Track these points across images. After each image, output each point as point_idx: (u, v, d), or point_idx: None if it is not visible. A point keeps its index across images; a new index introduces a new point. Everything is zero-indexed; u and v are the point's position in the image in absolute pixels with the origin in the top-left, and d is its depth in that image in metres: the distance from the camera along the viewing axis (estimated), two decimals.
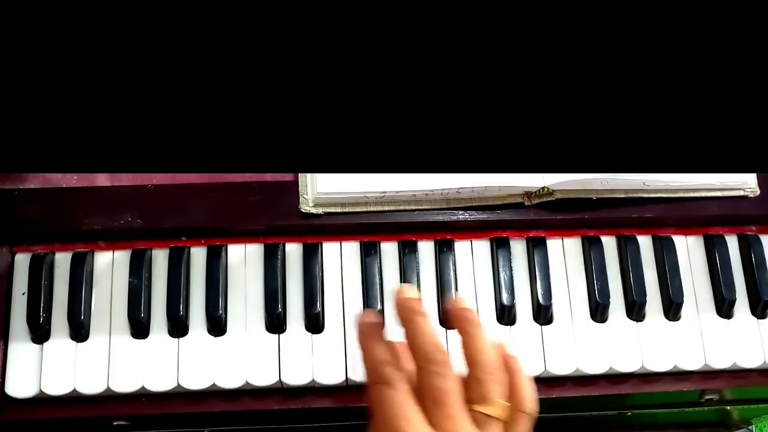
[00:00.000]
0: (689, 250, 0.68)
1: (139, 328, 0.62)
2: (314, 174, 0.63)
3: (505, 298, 0.64)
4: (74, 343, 0.62)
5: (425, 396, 0.50)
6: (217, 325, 0.62)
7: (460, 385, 0.51)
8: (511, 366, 0.53)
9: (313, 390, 0.62)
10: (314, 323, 0.63)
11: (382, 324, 0.54)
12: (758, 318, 0.66)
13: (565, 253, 0.67)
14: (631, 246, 0.66)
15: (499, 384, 0.51)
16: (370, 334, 0.53)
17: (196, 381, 0.61)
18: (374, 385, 0.51)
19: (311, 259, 0.64)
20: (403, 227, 0.66)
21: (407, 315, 0.53)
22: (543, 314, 0.64)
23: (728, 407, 0.78)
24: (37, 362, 0.61)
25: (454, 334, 0.63)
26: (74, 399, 0.61)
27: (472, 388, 0.51)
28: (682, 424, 0.87)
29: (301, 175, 0.64)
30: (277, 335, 0.63)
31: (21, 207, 0.63)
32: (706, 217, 0.68)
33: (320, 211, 0.64)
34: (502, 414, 0.51)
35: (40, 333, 0.62)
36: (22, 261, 0.63)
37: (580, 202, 0.66)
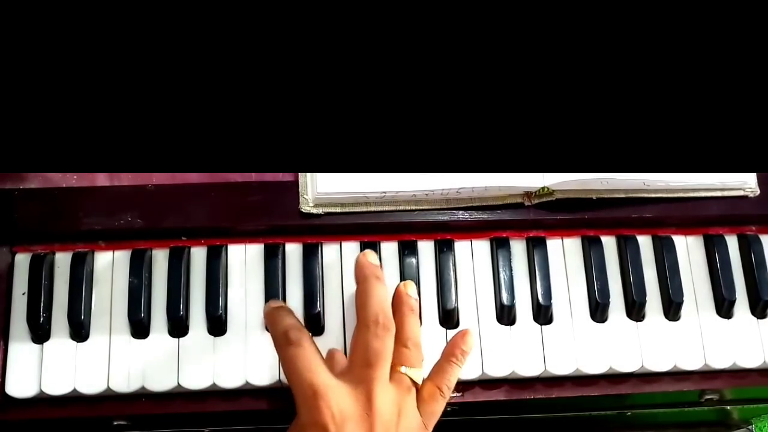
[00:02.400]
0: (689, 249, 0.68)
1: (139, 328, 0.62)
2: (314, 174, 0.63)
3: (505, 297, 0.64)
4: (74, 342, 0.62)
5: (357, 354, 0.56)
6: (217, 325, 0.62)
7: (392, 350, 0.56)
8: (447, 349, 0.60)
9: None
10: (314, 323, 0.63)
11: (286, 306, 0.60)
12: (758, 318, 0.66)
13: (565, 253, 0.67)
14: (631, 246, 0.66)
15: (419, 356, 0.58)
16: (276, 311, 0.59)
17: (196, 381, 0.61)
18: (283, 348, 0.57)
19: (311, 259, 0.64)
20: (403, 227, 0.66)
21: (365, 273, 0.59)
22: (543, 314, 0.64)
23: (728, 407, 0.78)
24: (37, 362, 0.61)
25: (452, 334, 0.63)
26: (74, 399, 0.61)
27: (398, 353, 0.57)
28: (682, 424, 0.87)
29: (301, 175, 0.64)
30: None
31: (21, 207, 0.63)
32: (706, 217, 0.68)
33: (320, 211, 0.64)
34: (419, 380, 0.57)
35: (40, 333, 0.62)
36: (22, 261, 0.63)
37: (580, 202, 0.66)
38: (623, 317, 0.65)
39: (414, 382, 0.57)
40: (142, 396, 0.62)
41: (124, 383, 0.61)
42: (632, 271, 0.65)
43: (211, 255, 0.64)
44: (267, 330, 0.62)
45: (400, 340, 0.57)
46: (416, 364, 0.57)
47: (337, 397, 0.53)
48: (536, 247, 0.66)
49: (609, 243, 0.67)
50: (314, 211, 0.64)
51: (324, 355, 0.60)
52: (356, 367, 0.55)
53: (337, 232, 0.65)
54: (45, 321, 0.62)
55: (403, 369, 0.56)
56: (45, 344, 0.62)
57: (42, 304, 0.62)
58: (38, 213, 0.63)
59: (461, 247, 0.66)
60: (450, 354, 0.60)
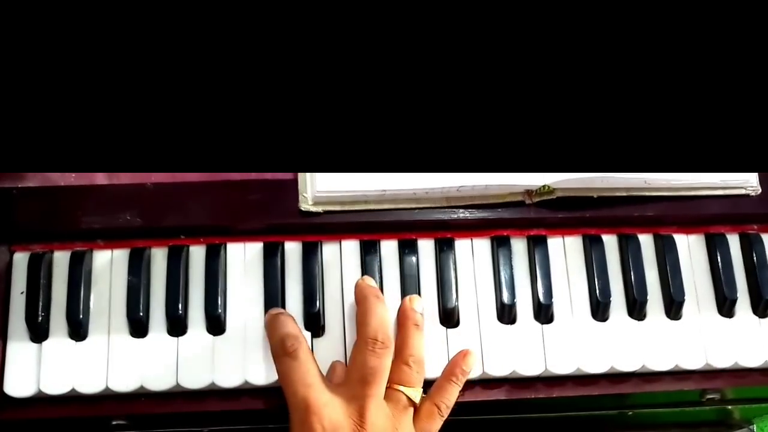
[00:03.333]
0: (690, 248, 0.68)
1: (138, 327, 0.62)
2: (314, 173, 0.63)
3: (505, 296, 0.64)
4: (73, 342, 0.62)
5: (354, 370, 0.57)
6: (216, 324, 0.62)
7: (389, 369, 0.57)
8: (448, 369, 0.60)
9: None
10: (314, 322, 0.63)
11: (286, 312, 0.61)
12: (759, 317, 0.66)
13: (566, 252, 0.67)
14: (632, 245, 0.66)
15: (420, 374, 0.58)
16: (275, 317, 0.59)
17: (195, 380, 0.61)
18: (279, 358, 0.57)
19: (311, 258, 0.64)
20: (403, 226, 0.65)
21: (365, 292, 0.60)
22: (544, 313, 0.64)
23: (729, 407, 0.78)
24: (35, 361, 0.61)
25: (453, 333, 0.63)
26: (73, 398, 0.61)
27: (397, 371, 0.58)
28: (683, 424, 0.87)
29: (300, 174, 0.64)
30: None
31: (19, 206, 0.63)
32: (707, 216, 0.68)
33: (320, 209, 0.64)
34: (417, 399, 0.58)
35: (38, 332, 0.61)
36: (20, 260, 0.63)
37: (581, 201, 0.66)
38: (624, 316, 0.65)
39: (411, 401, 0.57)
40: (141, 395, 0.61)
41: (122, 382, 0.61)
42: (633, 270, 0.65)
43: (210, 254, 0.64)
44: (266, 321, 0.62)
45: (401, 357, 0.58)
46: (415, 384, 0.58)
47: (329, 412, 0.54)
48: (537, 246, 0.66)
49: (610, 242, 0.67)
50: (314, 209, 0.64)
51: (328, 364, 0.60)
52: (352, 383, 0.56)
53: (337, 231, 0.65)
54: (43, 320, 0.62)
55: (400, 387, 0.57)
56: (43, 343, 0.62)
57: (40, 304, 0.62)
58: (37, 212, 0.63)
59: (462, 245, 0.66)
60: (450, 373, 0.60)
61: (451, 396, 0.59)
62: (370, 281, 0.62)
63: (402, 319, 0.60)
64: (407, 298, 0.61)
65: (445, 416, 0.59)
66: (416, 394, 0.57)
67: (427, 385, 0.61)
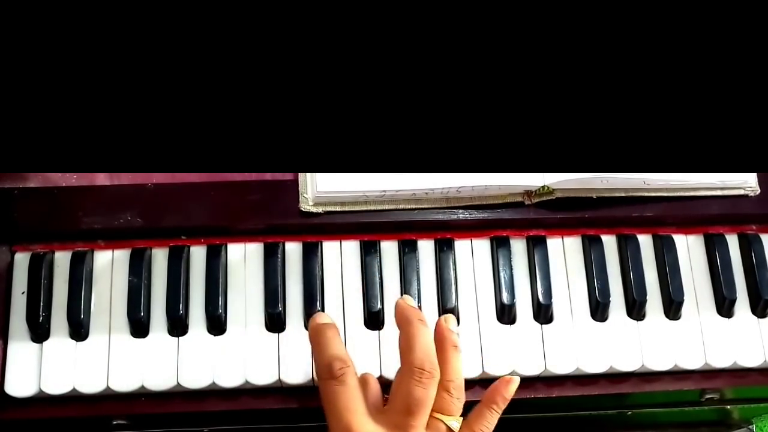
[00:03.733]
0: (689, 249, 0.68)
1: (139, 327, 0.62)
2: (314, 173, 0.63)
3: (505, 297, 0.64)
4: (74, 342, 0.62)
5: (398, 399, 0.55)
6: (216, 324, 0.62)
7: (433, 400, 0.55)
8: (488, 395, 0.58)
9: (313, 389, 0.62)
10: None
11: (334, 325, 0.59)
12: (758, 317, 0.66)
13: (565, 252, 0.67)
14: (632, 245, 0.66)
15: (461, 401, 0.57)
16: (323, 332, 0.58)
17: (195, 380, 0.61)
18: (325, 381, 0.56)
19: (311, 258, 0.64)
20: (403, 226, 0.65)
21: (409, 316, 0.58)
22: (543, 313, 0.64)
23: (728, 406, 0.78)
24: (36, 361, 0.61)
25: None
26: (74, 398, 0.61)
27: (438, 398, 0.56)
28: (682, 424, 0.87)
29: (300, 174, 0.64)
30: (276, 334, 0.63)
31: (20, 206, 0.63)
32: (706, 216, 0.68)
33: (320, 210, 0.64)
34: (456, 428, 0.56)
35: (39, 332, 0.62)
36: (21, 260, 0.63)
37: (581, 201, 0.66)
38: (624, 316, 0.65)
39: (450, 430, 0.56)
40: (142, 395, 0.62)
41: (123, 382, 0.61)
42: (633, 271, 0.65)
43: (211, 254, 0.64)
44: (311, 331, 0.60)
45: (442, 384, 0.56)
46: (455, 412, 0.56)
47: None
48: (536, 246, 0.66)
49: (609, 242, 0.67)
50: (314, 209, 0.64)
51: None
52: (396, 413, 0.54)
53: (337, 231, 0.65)
54: (44, 320, 0.62)
55: (441, 417, 0.55)
56: (44, 343, 0.62)
57: (41, 304, 0.62)
58: (38, 212, 0.63)
59: (461, 246, 0.66)
60: (491, 401, 0.58)
61: (490, 423, 0.58)
62: (410, 301, 0.60)
63: (440, 342, 0.58)
64: (442, 318, 0.59)
65: None
66: (457, 424, 0.56)
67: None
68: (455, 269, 0.65)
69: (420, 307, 0.63)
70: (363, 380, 0.59)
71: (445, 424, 0.56)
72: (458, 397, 0.57)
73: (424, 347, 0.56)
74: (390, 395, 0.56)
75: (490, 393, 0.59)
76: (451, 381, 0.57)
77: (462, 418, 0.57)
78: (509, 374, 0.63)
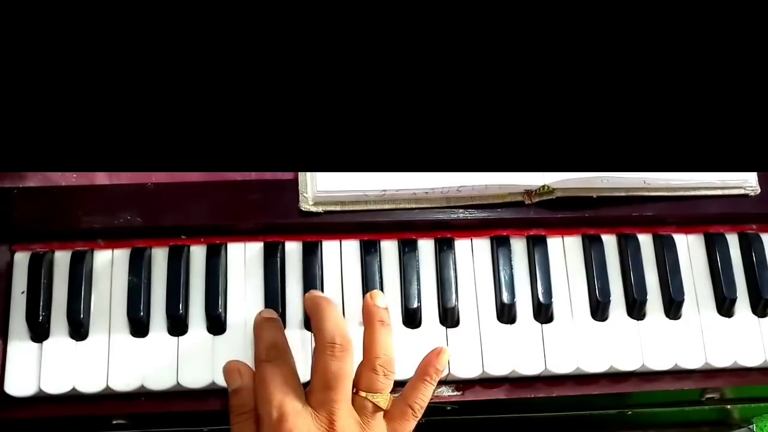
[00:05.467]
0: (690, 248, 0.68)
1: (139, 327, 0.62)
2: (314, 172, 0.63)
3: (505, 296, 0.64)
4: (73, 341, 0.62)
5: (316, 377, 0.56)
6: (216, 324, 0.62)
7: (352, 371, 0.56)
8: (420, 368, 0.59)
9: None
10: None
11: (279, 320, 0.60)
12: (759, 316, 0.66)
13: (565, 252, 0.67)
14: (632, 244, 0.66)
15: (388, 376, 0.57)
16: (264, 323, 0.59)
17: (195, 379, 0.61)
18: (259, 362, 0.57)
19: (311, 258, 0.64)
20: (403, 226, 0.65)
21: (314, 301, 0.59)
22: (543, 313, 0.64)
23: (729, 406, 0.78)
24: (36, 361, 0.61)
25: (453, 333, 0.63)
26: (73, 397, 0.61)
27: (364, 376, 0.56)
28: (682, 423, 0.87)
29: (300, 174, 0.64)
30: None
31: (20, 205, 0.63)
32: (706, 216, 0.68)
33: (320, 209, 0.64)
34: (386, 405, 0.56)
35: (39, 332, 0.62)
36: (21, 259, 0.63)
37: (581, 201, 0.66)
38: (624, 316, 0.65)
39: (378, 406, 0.56)
40: (142, 395, 0.62)
41: (123, 382, 0.61)
42: (633, 270, 0.65)
43: (211, 253, 0.64)
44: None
45: (368, 361, 0.57)
46: (382, 389, 0.56)
47: (300, 421, 0.54)
48: (537, 246, 0.66)
49: (609, 241, 0.67)
50: (314, 209, 0.64)
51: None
52: (317, 390, 0.55)
53: (337, 231, 0.65)
54: (44, 320, 0.62)
55: (364, 394, 0.56)
56: (44, 343, 0.62)
57: (41, 303, 0.62)
58: (37, 211, 0.63)
59: (461, 245, 0.66)
60: (423, 373, 0.59)
61: (424, 396, 0.58)
62: (316, 292, 0.61)
63: (366, 318, 0.59)
64: (369, 294, 0.60)
65: (419, 416, 0.58)
66: (383, 399, 0.56)
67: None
68: (455, 269, 0.65)
69: (420, 307, 0.63)
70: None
71: (370, 401, 0.56)
72: (385, 374, 0.57)
73: (332, 322, 0.56)
74: (311, 376, 0.57)
75: (422, 366, 0.59)
76: (377, 357, 0.57)
77: (391, 395, 0.57)
78: (509, 374, 0.63)
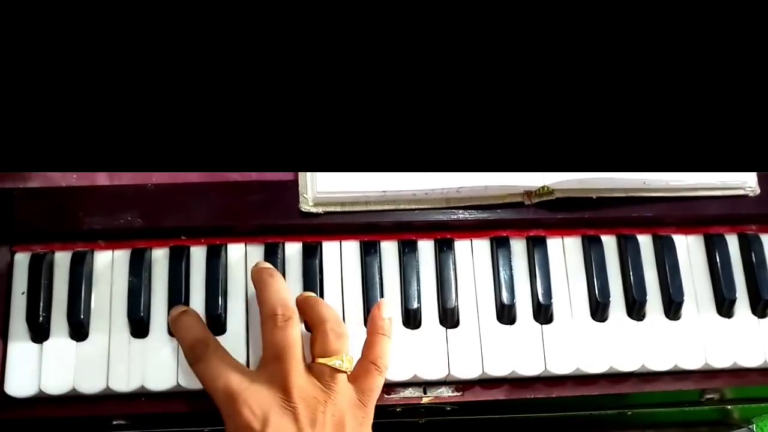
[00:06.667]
0: (689, 249, 0.68)
1: (139, 328, 0.62)
2: (314, 173, 0.63)
3: (505, 297, 0.64)
4: (74, 342, 0.62)
5: (266, 351, 0.56)
6: (216, 324, 0.62)
7: (299, 338, 0.56)
8: (370, 325, 0.59)
9: None
10: None
11: (191, 310, 0.60)
12: (759, 317, 0.66)
13: (565, 252, 0.67)
14: (632, 245, 0.66)
15: (340, 337, 0.56)
16: (179, 321, 0.59)
17: (195, 380, 0.61)
18: (190, 364, 0.57)
19: (311, 259, 0.64)
20: (403, 226, 0.65)
21: (257, 276, 0.59)
22: (543, 313, 0.64)
23: (729, 406, 0.78)
24: (36, 361, 0.61)
25: (453, 333, 0.63)
26: (74, 398, 0.61)
27: (316, 342, 0.56)
28: (682, 424, 0.87)
29: (301, 175, 0.64)
30: None
31: (21, 206, 0.63)
32: (706, 217, 0.68)
33: (320, 210, 0.64)
34: (347, 365, 0.56)
35: (39, 332, 0.62)
36: (21, 260, 0.63)
37: (580, 202, 0.66)
38: (624, 316, 0.65)
39: (337, 369, 0.56)
40: (142, 395, 0.62)
41: (123, 382, 0.61)
42: (632, 271, 0.65)
43: (211, 254, 0.64)
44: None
45: (316, 327, 0.57)
46: (336, 351, 0.56)
47: (254, 395, 0.54)
48: (536, 247, 0.66)
49: (609, 242, 0.67)
50: (314, 210, 0.64)
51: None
52: (268, 363, 0.55)
53: (337, 232, 0.65)
54: (44, 320, 0.62)
55: (319, 360, 0.56)
56: (44, 343, 0.62)
57: (41, 304, 0.62)
58: (38, 212, 0.63)
59: (461, 246, 0.66)
60: (375, 327, 0.59)
61: (383, 349, 0.58)
62: (262, 264, 0.61)
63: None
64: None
65: (384, 371, 0.58)
66: (339, 361, 0.56)
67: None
68: (455, 269, 0.65)
69: (420, 308, 0.63)
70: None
71: (327, 366, 0.55)
72: (337, 336, 0.56)
73: (273, 293, 0.57)
74: (262, 353, 0.57)
75: (371, 322, 0.60)
76: (323, 321, 0.57)
77: (351, 357, 0.57)
78: (509, 374, 0.63)
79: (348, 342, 0.57)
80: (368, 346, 0.59)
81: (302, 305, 0.59)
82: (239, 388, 0.54)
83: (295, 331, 0.56)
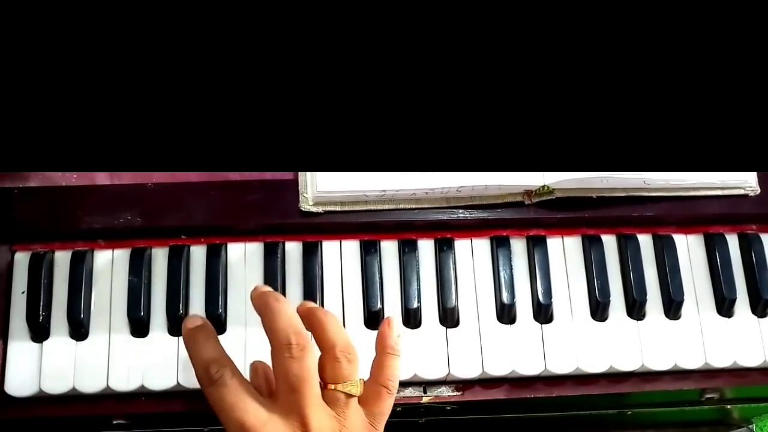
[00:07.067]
0: (689, 248, 0.68)
1: (139, 327, 0.62)
2: (314, 172, 0.63)
3: (505, 296, 0.64)
4: (74, 341, 0.62)
5: (279, 381, 0.53)
6: (216, 324, 0.62)
7: (315, 368, 0.53)
8: (379, 344, 0.57)
9: None
10: None
11: (206, 326, 0.56)
12: (758, 317, 0.66)
13: (565, 252, 0.67)
14: (632, 245, 0.66)
15: (352, 362, 0.54)
16: (193, 337, 0.55)
17: (195, 379, 0.61)
18: (203, 387, 0.53)
19: (311, 258, 0.64)
20: (403, 226, 0.65)
21: (261, 301, 0.55)
22: (543, 313, 0.64)
23: (728, 406, 0.78)
24: (36, 361, 0.61)
25: (453, 333, 0.63)
26: (74, 398, 0.61)
27: (328, 368, 0.54)
28: (682, 423, 0.87)
29: (301, 174, 0.64)
30: None
31: (21, 205, 0.63)
32: (706, 216, 0.68)
33: (320, 209, 0.64)
34: (357, 390, 0.54)
35: (39, 332, 0.62)
36: (21, 259, 0.63)
37: (581, 201, 0.66)
38: (624, 316, 0.65)
39: (350, 395, 0.54)
40: (142, 395, 0.62)
41: (123, 382, 0.61)
42: (633, 270, 0.65)
43: (211, 253, 0.64)
44: (183, 338, 0.56)
45: (326, 352, 0.54)
46: (348, 376, 0.54)
47: (271, 430, 0.51)
48: (536, 246, 0.66)
49: (609, 242, 0.67)
50: (314, 209, 0.64)
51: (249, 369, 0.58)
52: (283, 394, 0.52)
53: (337, 231, 0.65)
54: (44, 320, 0.62)
55: (333, 386, 0.53)
56: (44, 343, 0.62)
57: (41, 303, 0.62)
58: (38, 211, 0.63)
59: (461, 245, 0.66)
60: (385, 346, 0.56)
61: (394, 370, 0.56)
62: (262, 287, 0.57)
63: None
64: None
65: (394, 393, 0.55)
66: (353, 386, 0.54)
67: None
68: (455, 269, 0.65)
69: (420, 307, 0.63)
70: (252, 369, 0.58)
71: (341, 392, 0.53)
72: (348, 360, 0.54)
73: (284, 322, 0.53)
74: (274, 381, 0.54)
75: (380, 341, 0.57)
76: (333, 346, 0.54)
77: (361, 379, 0.55)
78: (509, 374, 0.63)
79: (358, 365, 0.55)
80: (378, 367, 0.56)
81: (307, 320, 0.55)
82: (256, 423, 0.51)
83: (311, 360, 0.53)
